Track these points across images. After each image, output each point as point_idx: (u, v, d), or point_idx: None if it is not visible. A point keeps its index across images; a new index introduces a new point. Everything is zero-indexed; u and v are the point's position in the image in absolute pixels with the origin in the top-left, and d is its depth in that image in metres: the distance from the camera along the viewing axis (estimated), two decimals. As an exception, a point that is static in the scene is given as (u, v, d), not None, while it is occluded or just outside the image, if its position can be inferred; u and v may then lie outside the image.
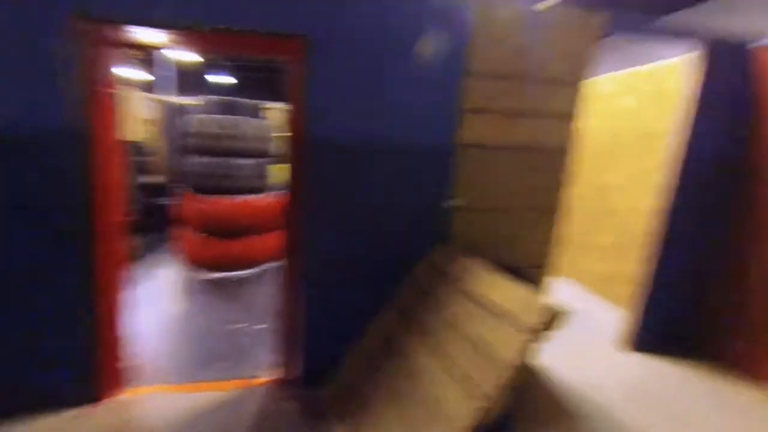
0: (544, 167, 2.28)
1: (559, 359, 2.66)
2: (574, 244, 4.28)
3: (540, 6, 2.06)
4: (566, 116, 2.24)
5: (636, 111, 3.60)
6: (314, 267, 2.11)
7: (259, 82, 12.04)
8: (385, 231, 2.14)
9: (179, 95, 7.97)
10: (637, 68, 3.60)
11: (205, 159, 3.99)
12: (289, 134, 2.05)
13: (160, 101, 6.99)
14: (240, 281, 3.91)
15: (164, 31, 1.84)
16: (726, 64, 2.50)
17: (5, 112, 1.68)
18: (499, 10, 2.03)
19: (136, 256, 4.05)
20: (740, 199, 2.65)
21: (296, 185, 2.06)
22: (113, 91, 1.90)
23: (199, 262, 3.98)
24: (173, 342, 2.73)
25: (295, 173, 2.06)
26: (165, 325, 2.93)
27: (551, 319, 1.33)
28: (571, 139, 2.27)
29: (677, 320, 2.85)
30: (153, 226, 5.41)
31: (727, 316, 2.71)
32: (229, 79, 12.50)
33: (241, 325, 2.97)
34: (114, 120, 1.92)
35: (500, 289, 1.55)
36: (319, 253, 2.10)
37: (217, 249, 3.90)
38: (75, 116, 1.75)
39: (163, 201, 5.58)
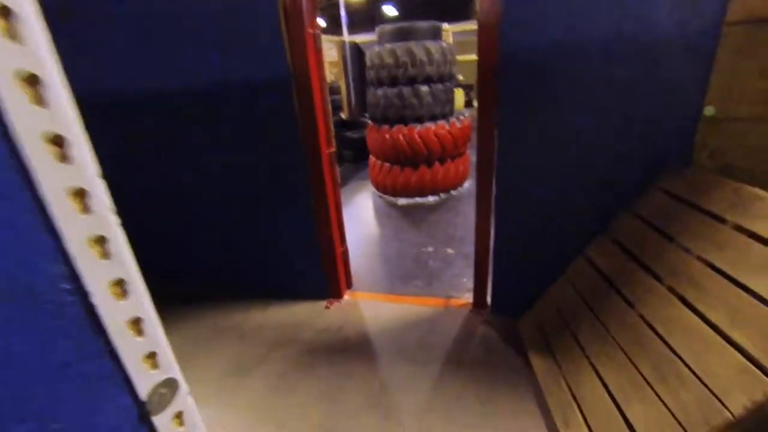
0: None
1: None
2: None
3: None
4: None
5: None
6: (507, 191, 1.95)
7: (426, 7, 11.50)
8: (597, 148, 1.74)
9: (351, 34, 8.32)
10: None
11: (383, 90, 4.10)
12: (475, 54, 1.81)
13: (337, 42, 7.46)
14: (425, 208, 4.09)
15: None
16: None
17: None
18: None
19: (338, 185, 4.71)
20: None
21: (487, 104, 1.86)
22: (316, 33, 2.02)
23: (386, 189, 4.32)
24: (375, 259, 3.11)
25: (485, 90, 1.84)
26: (366, 245, 3.36)
27: None
28: None
29: None
30: (347, 157, 6.14)
31: None
32: (393, 11, 12.30)
33: (429, 249, 3.13)
34: (320, 62, 2.06)
35: (812, 232, 1.08)
36: (513, 179, 1.90)
37: (401, 177, 4.12)
38: (293, 62, 1.94)
39: (353, 134, 6.17)
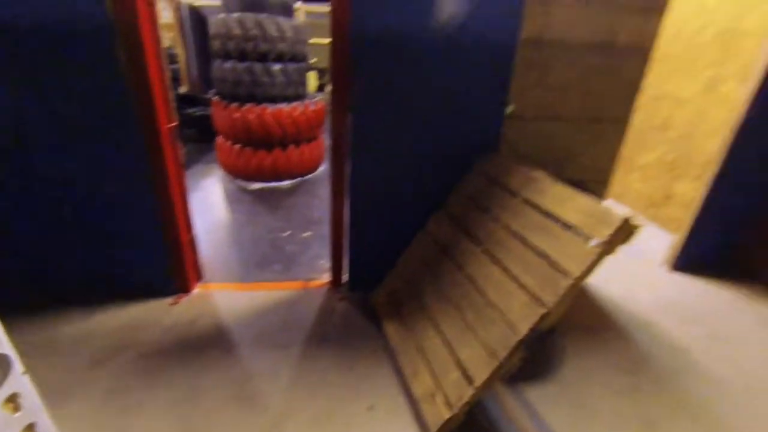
0: (615, 70, 2.05)
1: (602, 275, 2.70)
2: (620, 160, 4.08)
3: None
4: (649, 7, 1.95)
5: (715, 4, 3.10)
6: (360, 172, 2.08)
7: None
8: (435, 135, 2.02)
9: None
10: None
11: (231, 64, 3.80)
12: (329, 34, 1.87)
13: (172, 2, 6.47)
14: (280, 192, 3.99)
15: None
16: None
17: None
18: None
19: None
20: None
21: (341, 86, 1.95)
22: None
23: (236, 172, 4.04)
24: (228, 247, 2.91)
25: (339, 73, 1.92)
26: (218, 233, 3.10)
27: (625, 233, 1.31)
28: (653, 34, 2.00)
29: (728, 245, 2.78)
30: (190, 137, 5.44)
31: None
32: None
33: (286, 234, 3.10)
34: (153, 16, 1.78)
35: (568, 201, 1.51)
36: (365, 157, 2.05)
37: (253, 160, 3.92)
38: (114, 7, 1.62)
39: (196, 111, 5.51)
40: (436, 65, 1.88)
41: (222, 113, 3.91)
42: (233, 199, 3.82)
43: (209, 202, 3.71)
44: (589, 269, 1.34)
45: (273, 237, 3.04)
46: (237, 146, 3.94)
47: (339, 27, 1.83)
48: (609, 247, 1.32)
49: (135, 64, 1.73)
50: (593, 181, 2.30)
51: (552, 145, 2.16)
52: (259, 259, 2.73)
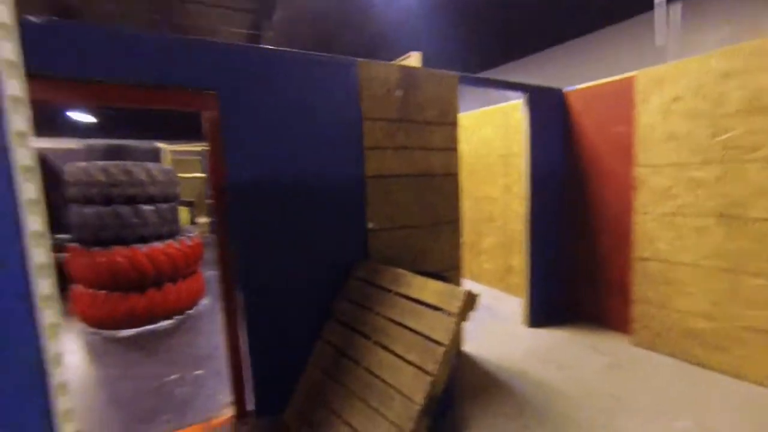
0: (439, 189, 2.87)
1: (477, 342, 3.27)
2: (467, 248, 5.11)
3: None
4: (448, 148, 2.88)
5: (494, 138, 4.59)
6: (249, 300, 2.26)
7: (126, 119, 10.84)
8: (313, 257, 2.42)
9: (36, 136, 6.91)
10: (491, 107, 4.61)
11: (94, 210, 3.72)
12: (195, 172, 2.22)
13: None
14: (159, 334, 3.68)
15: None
16: (545, 103, 3.49)
17: None
18: (378, 67, 2.55)
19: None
20: (574, 200, 3.66)
21: (222, 225, 2.24)
22: None
23: (102, 322, 3.63)
24: (103, 411, 2.53)
25: (220, 214, 2.23)
26: (87, 394, 2.68)
27: (469, 302, 1.82)
28: (456, 165, 2.92)
29: (557, 297, 3.72)
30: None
31: (591, 286, 3.66)
32: (90, 118, 11.00)
33: (173, 377, 2.87)
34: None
35: (427, 288, 2.00)
36: (252, 286, 2.26)
37: (123, 305, 3.63)
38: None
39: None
40: (306, 198, 2.37)
41: (82, 260, 3.63)
42: (100, 352, 3.37)
43: (71, 360, 3.19)
44: (455, 335, 1.77)
45: (158, 384, 2.78)
46: (102, 293, 3.62)
47: (215, 175, 2.19)
48: (462, 315, 1.80)
49: None
50: (448, 269, 2.94)
51: (408, 247, 2.76)
52: (144, 414, 2.45)
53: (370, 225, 2.59)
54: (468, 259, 5.11)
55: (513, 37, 5.38)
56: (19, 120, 0.55)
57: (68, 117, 9.96)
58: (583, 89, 3.52)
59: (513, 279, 4.45)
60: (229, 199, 2.17)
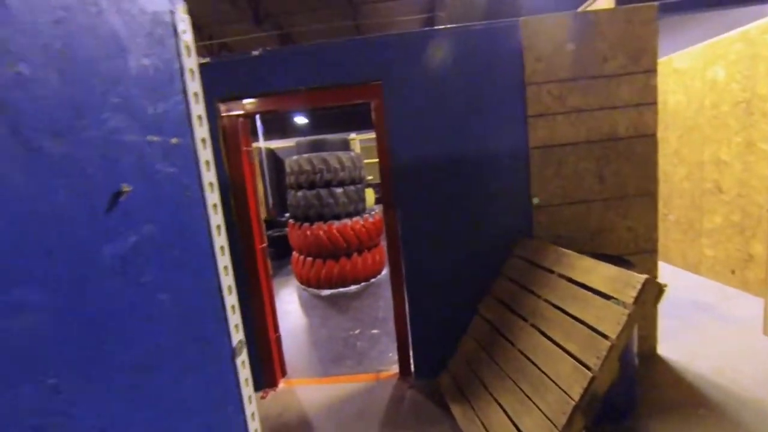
0: (626, 155, 2.35)
1: (685, 348, 2.59)
2: (678, 228, 4.03)
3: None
4: (640, 103, 2.31)
5: (727, 80, 3.38)
6: (414, 270, 2.43)
7: (329, 117, 13.04)
8: (474, 233, 2.39)
9: (267, 139, 9.16)
10: (722, 36, 3.40)
11: (303, 193, 4.66)
12: (377, 161, 2.45)
13: (254, 148, 8.14)
14: (350, 296, 4.41)
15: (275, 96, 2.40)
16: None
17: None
18: (545, 21, 2.22)
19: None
20: None
21: (389, 204, 2.43)
22: (249, 150, 2.50)
23: (310, 282, 4.59)
24: (306, 347, 3.26)
25: (388, 194, 2.43)
26: (297, 334, 3.50)
27: (650, 293, 1.47)
28: (652, 123, 2.32)
29: None
30: (269, 255, 6.31)
31: None
32: (304, 120, 13.64)
33: (356, 332, 3.40)
34: (253, 173, 2.51)
35: (595, 272, 1.71)
36: (415, 261, 2.42)
37: (324, 269, 4.47)
38: (227, 171, 2.35)
39: (273, 233, 6.47)
40: (465, 174, 2.34)
41: (296, 232, 4.65)
42: (308, 305, 4.29)
43: (288, 309, 4.20)
44: (625, 330, 1.48)
45: (345, 336, 3.35)
46: (309, 259, 4.57)
47: (383, 158, 2.40)
48: (639, 307, 1.47)
49: (240, 207, 2.40)
50: (639, 252, 2.42)
51: (583, 225, 2.39)
52: (334, 356, 3.01)
53: (536, 201, 2.36)
54: (681, 242, 4.02)
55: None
56: (204, 151, 0.74)
57: (291, 121, 12.70)
58: None
59: (753, 272, 3.27)
60: (394, 180, 2.37)
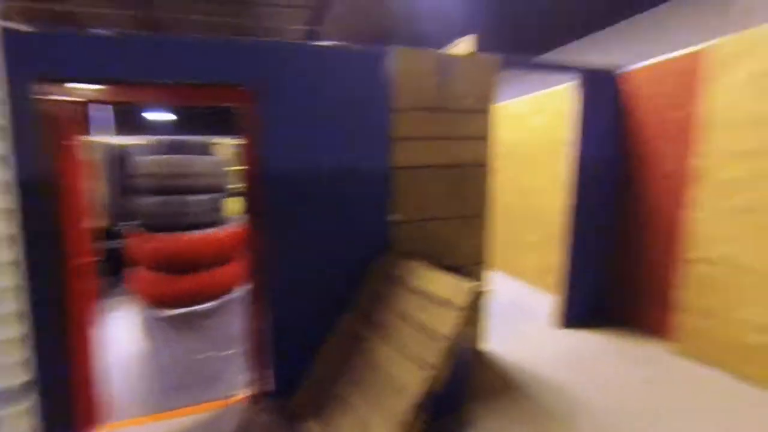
0: (469, 180, 2.72)
1: (503, 342, 3.10)
2: (508, 243, 4.84)
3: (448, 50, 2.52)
4: (482, 137, 2.72)
5: (541, 126, 4.27)
6: (277, 287, 2.34)
7: (199, 117, 11.88)
8: (339, 246, 2.43)
9: (118, 135, 7.82)
10: (544, 91, 4.29)
11: (155, 198, 4.07)
12: (242, 168, 2.31)
13: (98, 143, 6.84)
14: (202, 314, 3.96)
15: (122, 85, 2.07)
16: (596, 86, 3.15)
17: None
18: (416, 54, 2.48)
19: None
20: (622, 194, 3.29)
21: (254, 214, 2.31)
22: (76, 142, 2.07)
23: (157, 300, 3.99)
24: (142, 377, 2.78)
25: (252, 204, 2.31)
26: (132, 362, 2.97)
27: (474, 298, 1.70)
28: (489, 155, 2.75)
29: (596, 297, 3.41)
30: (105, 270, 5.25)
31: (632, 288, 3.29)
32: (169, 116, 12.18)
33: (208, 354, 3.07)
34: (77, 170, 2.08)
35: (436, 282, 1.90)
36: (281, 273, 2.34)
37: (176, 285, 3.94)
38: (45, 168, 1.90)
39: (112, 244, 5.44)
40: (332, 191, 2.38)
41: (142, 244, 4.01)
42: (152, 326, 3.70)
43: (123, 334, 3.55)
44: (457, 329, 1.67)
45: (193, 359, 2.99)
46: (156, 274, 3.97)
47: (250, 166, 2.27)
48: (467, 310, 1.69)
49: (57, 211, 1.95)
50: (476, 263, 2.79)
51: (434, 240, 2.66)
52: (179, 384, 2.65)
53: (396, 216, 2.53)
54: (510, 254, 4.83)
55: (567, 18, 4.97)
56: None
57: (146, 117, 11.13)
58: (638, 70, 3.14)
59: (552, 277, 4.13)
60: (261, 189, 2.25)
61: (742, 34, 2.48)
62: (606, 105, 3.23)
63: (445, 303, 1.78)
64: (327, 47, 2.32)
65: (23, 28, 1.85)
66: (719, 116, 2.60)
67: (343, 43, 2.35)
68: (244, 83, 2.19)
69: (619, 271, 3.37)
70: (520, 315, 3.66)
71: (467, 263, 2.74)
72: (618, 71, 3.24)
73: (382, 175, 2.49)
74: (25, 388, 0.61)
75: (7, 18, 1.81)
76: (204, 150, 4.51)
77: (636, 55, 4.36)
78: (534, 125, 4.42)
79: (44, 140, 1.92)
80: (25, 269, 1.85)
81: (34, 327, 1.82)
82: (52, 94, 1.94)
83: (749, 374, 2.45)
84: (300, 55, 2.26)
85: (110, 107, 8.61)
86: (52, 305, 1.95)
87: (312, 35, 8.42)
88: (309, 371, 2.33)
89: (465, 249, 2.76)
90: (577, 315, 3.34)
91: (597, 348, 3.00)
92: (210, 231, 4.19)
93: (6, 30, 1.81)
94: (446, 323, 1.69)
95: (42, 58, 1.87)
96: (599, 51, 5.38)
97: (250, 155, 2.28)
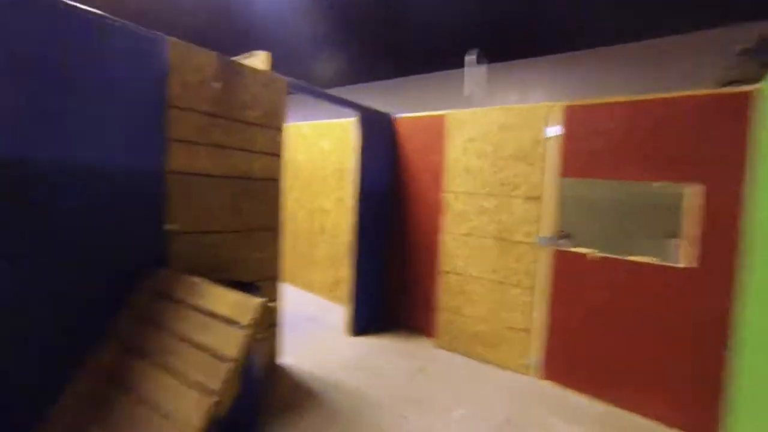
0: (258, 194, 2.72)
1: (296, 354, 3.18)
2: (300, 258, 5.03)
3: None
4: (271, 153, 2.78)
5: (331, 151, 4.72)
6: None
7: None
8: (90, 262, 1.95)
9: None
10: (332, 120, 4.74)
11: None
12: None
13: None
14: None
15: None
16: (376, 125, 3.76)
17: None
18: (196, 52, 2.30)
19: None
20: (396, 216, 4.01)
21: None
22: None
23: None
24: None
25: None
26: None
27: (262, 315, 1.71)
28: (280, 171, 2.83)
29: (378, 306, 3.95)
30: None
31: (405, 296, 3.99)
32: None
33: None
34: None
35: (220, 299, 1.81)
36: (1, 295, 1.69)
37: None
38: None
39: None
40: (89, 191, 1.90)
41: None
42: None
43: None
44: (244, 349, 1.63)
45: None
46: None
47: None
48: (254, 327, 1.68)
49: None
50: (265, 279, 2.78)
51: (218, 255, 2.51)
52: None
53: (171, 227, 2.25)
54: (302, 268, 5.03)
55: (361, 63, 5.72)
56: None
57: None
58: (407, 118, 3.94)
59: (341, 290, 4.57)
60: None
61: (463, 111, 3.50)
62: (383, 141, 3.88)
63: (230, 322, 1.72)
64: (84, 11, 1.89)
65: None
66: (450, 164, 3.56)
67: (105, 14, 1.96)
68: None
69: (396, 282, 4.04)
70: (313, 327, 3.86)
71: (255, 278, 2.70)
72: (393, 115, 3.97)
73: (155, 178, 2.16)
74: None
75: None
76: None
77: (407, 105, 5.43)
78: (323, 149, 4.82)
79: None
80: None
81: None
82: None
83: (480, 355, 3.38)
84: (46, 11, 1.76)
85: None
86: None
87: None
88: (44, 423, 1.75)
89: (254, 264, 2.72)
90: (364, 323, 3.79)
91: (380, 349, 3.48)
92: None
93: None
94: (232, 343, 1.63)
95: None
96: (381, 96, 6.42)
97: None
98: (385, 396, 2.73)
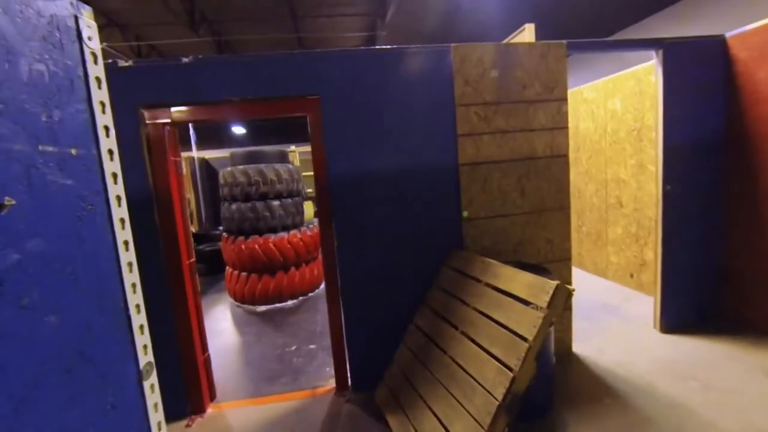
0: (544, 173, 2.59)
1: (594, 345, 2.88)
2: (588, 238, 4.50)
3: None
4: (554, 127, 2.58)
5: (624, 110, 3.90)
6: (347, 287, 2.45)
7: (272, 130, 12.73)
8: (407, 246, 2.47)
9: (201, 149, 8.69)
10: (621, 72, 3.92)
11: (237, 205, 4.47)
12: (313, 174, 2.46)
13: (186, 158, 7.67)
14: (285, 311, 4.27)
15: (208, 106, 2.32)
16: (691, 58, 2.79)
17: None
18: (473, 48, 2.42)
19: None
20: (734, 173, 2.88)
21: (325, 218, 2.44)
22: (177, 160, 2.36)
23: (244, 298, 4.38)
24: (239, 366, 3.09)
25: (323, 207, 2.44)
26: (229, 354, 3.31)
27: (560, 297, 1.62)
28: (564, 144, 2.60)
29: (703, 297, 3.03)
30: (201, 271, 5.92)
31: (756, 287, 2.88)
32: (241, 130, 13.12)
33: (292, 348, 3.30)
34: (181, 184, 2.37)
35: (516, 279, 1.85)
36: (352, 275, 2.44)
37: (260, 285, 4.30)
38: (151, 183, 2.20)
39: (206, 247, 6.09)
40: (399, 189, 2.42)
41: (230, 247, 4.43)
42: (242, 322, 4.08)
43: (220, 327, 3.96)
44: (541, 331, 1.61)
45: (280, 352, 3.24)
46: (244, 274, 4.37)
47: (319, 172, 2.41)
48: (552, 310, 1.62)
49: (166, 220, 2.25)
50: (555, 261, 2.65)
51: (507, 237, 2.58)
52: (268, 375, 2.89)
53: (465, 214, 2.51)
54: (592, 250, 4.49)
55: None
56: (111, 163, 0.70)
57: (228, 131, 12.17)
58: (757, 31, 2.68)
59: (647, 275, 3.75)
60: (329, 193, 2.38)
61: None
62: (705, 78, 2.85)
63: (524, 302, 1.73)
64: (387, 49, 2.36)
65: (123, 63, 2.14)
66: None
67: (401, 45, 2.36)
68: (310, 93, 2.32)
69: (735, 267, 2.95)
70: (612, 317, 3.37)
71: (546, 260, 2.61)
72: (725, 35, 2.84)
73: (450, 172, 2.48)
74: (150, 367, 0.74)
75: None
76: (280, 158, 4.84)
77: (735, 17, 3.79)
78: (613, 109, 4.05)
79: (152, 158, 2.22)
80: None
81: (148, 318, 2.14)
82: (155, 118, 2.23)
83: None
84: (361, 59, 2.33)
85: (191, 125, 9.58)
86: (169, 300, 2.27)
87: (370, 41, 8.60)
88: (388, 367, 2.40)
89: (542, 245, 2.63)
90: (680, 318, 2.99)
91: (713, 354, 2.64)
92: (291, 233, 4.50)
93: (110, 66, 2.11)
94: (528, 325, 1.64)
95: (146, 87, 2.17)
96: (692, 16, 4.77)
97: (318, 161, 2.41)
98: (733, 424, 2.01)
